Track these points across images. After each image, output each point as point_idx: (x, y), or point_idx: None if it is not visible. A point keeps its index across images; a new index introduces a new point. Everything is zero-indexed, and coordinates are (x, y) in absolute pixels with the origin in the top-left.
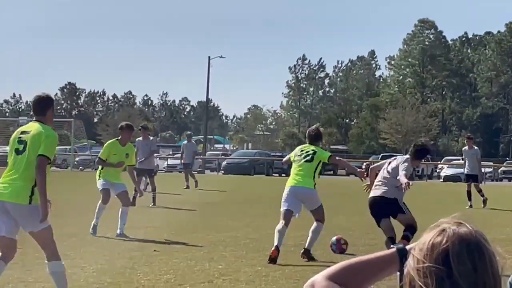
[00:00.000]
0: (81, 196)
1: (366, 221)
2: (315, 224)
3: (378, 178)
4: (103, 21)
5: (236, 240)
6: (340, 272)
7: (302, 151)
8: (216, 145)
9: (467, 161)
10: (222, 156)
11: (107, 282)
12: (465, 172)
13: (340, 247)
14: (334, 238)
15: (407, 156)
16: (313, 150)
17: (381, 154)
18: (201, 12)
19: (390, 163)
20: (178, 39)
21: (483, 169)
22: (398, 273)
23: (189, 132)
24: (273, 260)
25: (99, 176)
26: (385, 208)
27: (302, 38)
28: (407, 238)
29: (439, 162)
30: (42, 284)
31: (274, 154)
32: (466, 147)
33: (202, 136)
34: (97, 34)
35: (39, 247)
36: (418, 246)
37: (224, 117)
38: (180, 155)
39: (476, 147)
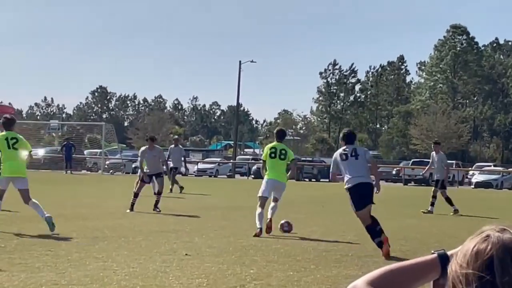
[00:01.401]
0: (112, 200)
1: (396, 227)
2: (273, 203)
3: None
4: (134, 25)
5: (267, 245)
6: (381, 277)
7: (274, 149)
8: (246, 150)
9: (435, 166)
10: (252, 161)
11: (139, 286)
12: (434, 178)
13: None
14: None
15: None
16: (284, 149)
17: (412, 160)
18: (233, 16)
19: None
20: (209, 44)
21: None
22: (431, 282)
23: (176, 136)
24: (257, 236)
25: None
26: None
27: (333, 43)
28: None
29: (470, 169)
30: (75, 287)
31: (304, 159)
32: (434, 152)
33: (232, 141)
34: (128, 38)
35: (72, 250)
36: (462, 252)
37: (254, 122)
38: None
39: (442, 153)
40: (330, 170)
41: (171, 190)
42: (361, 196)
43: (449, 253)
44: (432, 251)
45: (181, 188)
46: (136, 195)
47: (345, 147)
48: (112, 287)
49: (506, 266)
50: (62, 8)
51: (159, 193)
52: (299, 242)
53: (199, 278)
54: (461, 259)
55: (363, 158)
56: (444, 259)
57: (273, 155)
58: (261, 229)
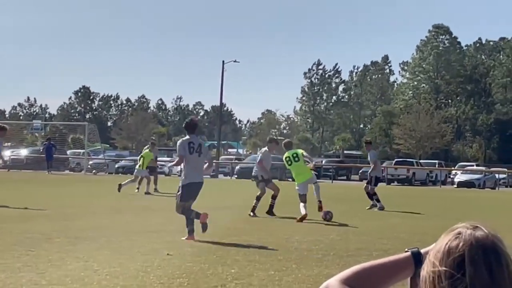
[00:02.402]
0: (95, 200)
1: (379, 226)
2: (314, 186)
3: None
4: (117, 25)
5: (249, 244)
6: (354, 276)
7: (288, 157)
8: (229, 150)
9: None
10: (236, 161)
11: (120, 285)
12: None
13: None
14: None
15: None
16: (295, 153)
17: (395, 160)
18: (216, 16)
19: None
20: (192, 43)
21: (497, 175)
22: (409, 278)
23: (152, 138)
24: (302, 219)
25: None
26: None
27: (317, 43)
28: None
29: (453, 168)
30: (55, 287)
31: None
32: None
33: (216, 141)
34: (111, 38)
35: (53, 250)
36: (434, 250)
37: (237, 122)
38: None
39: (373, 150)
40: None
41: (155, 189)
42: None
43: (422, 251)
44: (406, 249)
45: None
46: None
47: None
48: (92, 287)
49: (477, 263)
50: (45, 8)
51: None
52: (281, 242)
53: (180, 278)
54: (433, 257)
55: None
56: (417, 257)
57: (289, 162)
58: (306, 214)
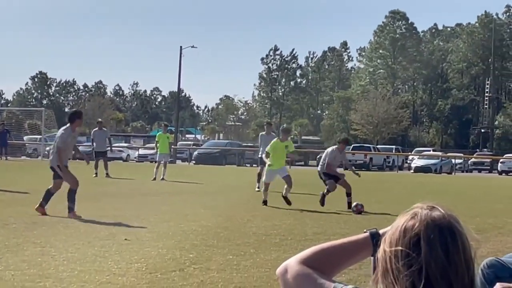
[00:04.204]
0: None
1: (336, 211)
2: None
3: None
4: (74, 10)
5: (207, 229)
6: (313, 256)
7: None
8: (187, 136)
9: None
10: (194, 147)
11: (77, 271)
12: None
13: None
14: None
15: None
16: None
17: (352, 145)
18: (173, 1)
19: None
20: (149, 29)
21: (453, 160)
22: (372, 257)
23: (100, 120)
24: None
25: None
26: None
27: (275, 29)
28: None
29: (409, 153)
30: (12, 272)
31: (246, 144)
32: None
33: (174, 127)
34: (68, 23)
35: (9, 236)
36: (391, 230)
37: (195, 108)
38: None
39: (273, 133)
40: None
41: (106, 174)
42: None
43: (381, 231)
44: (365, 230)
45: (96, 174)
46: None
47: None
48: (50, 272)
49: (432, 242)
50: None
51: None
52: (239, 227)
53: (138, 263)
54: (390, 237)
55: None
56: (376, 237)
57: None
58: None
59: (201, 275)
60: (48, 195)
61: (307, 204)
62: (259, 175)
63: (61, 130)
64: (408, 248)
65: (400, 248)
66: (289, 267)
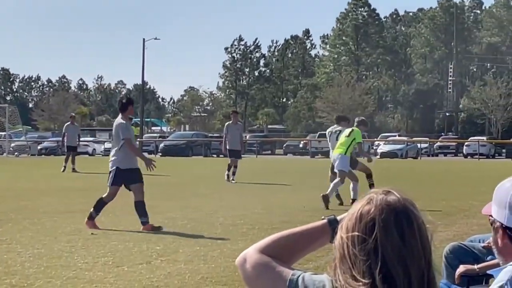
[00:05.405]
0: (17, 182)
1: (303, 199)
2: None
3: None
4: (35, 5)
5: (174, 221)
6: (272, 244)
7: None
8: (153, 128)
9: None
10: (160, 139)
11: (44, 266)
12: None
13: None
14: None
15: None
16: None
17: (318, 133)
18: None
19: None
20: (112, 22)
21: (419, 145)
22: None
23: (73, 114)
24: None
25: None
26: None
27: (238, 18)
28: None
29: (375, 139)
30: None
31: (212, 135)
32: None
33: (139, 119)
34: (30, 19)
35: None
36: (348, 217)
37: (161, 100)
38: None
39: (239, 122)
40: None
41: (64, 168)
42: None
43: (339, 217)
44: (323, 217)
45: (64, 168)
46: None
47: None
48: (16, 269)
49: (388, 226)
50: None
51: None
52: (206, 218)
53: (105, 257)
54: (347, 222)
55: None
56: (334, 224)
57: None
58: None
59: (168, 267)
60: (142, 207)
61: (274, 193)
62: (229, 166)
63: (117, 123)
64: (364, 233)
65: (356, 233)
66: (248, 257)
